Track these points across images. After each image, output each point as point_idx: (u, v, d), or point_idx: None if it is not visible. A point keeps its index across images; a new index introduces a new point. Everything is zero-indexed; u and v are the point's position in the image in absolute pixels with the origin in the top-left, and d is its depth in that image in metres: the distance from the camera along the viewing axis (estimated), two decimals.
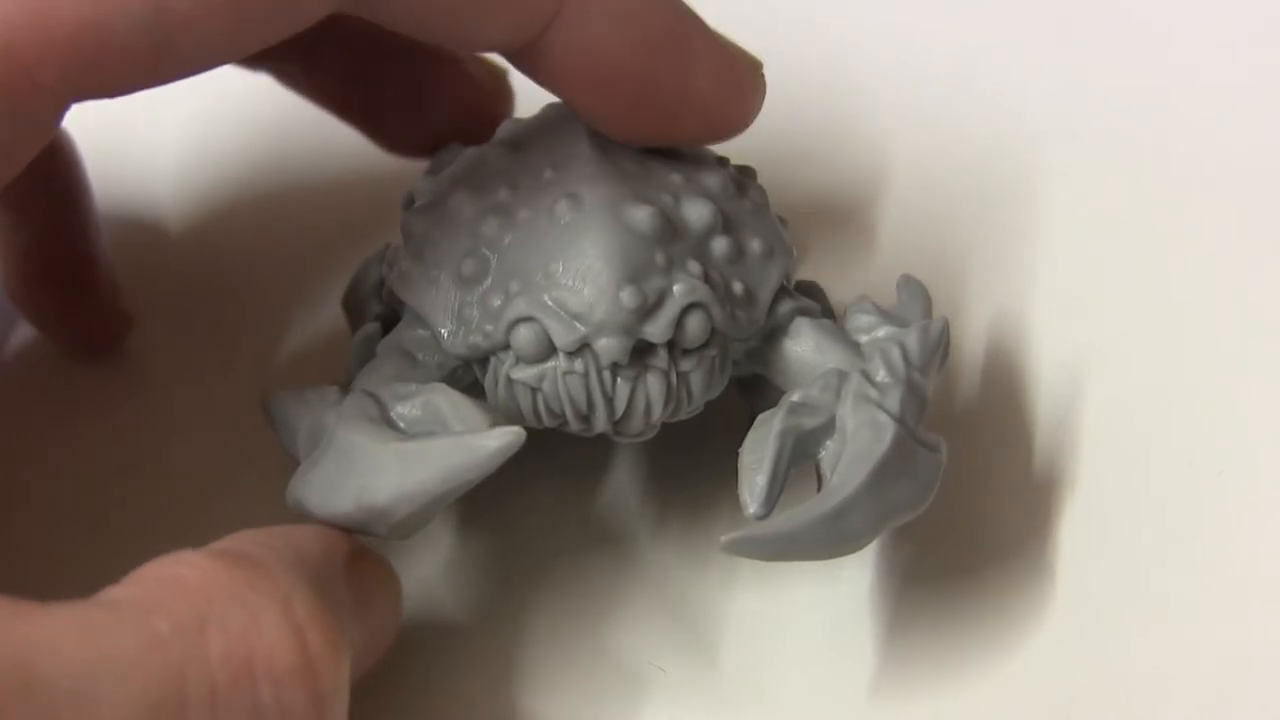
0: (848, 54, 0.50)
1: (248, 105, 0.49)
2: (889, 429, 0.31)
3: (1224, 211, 0.44)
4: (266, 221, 0.45)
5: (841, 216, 0.44)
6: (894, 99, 0.49)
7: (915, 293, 0.36)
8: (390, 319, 0.36)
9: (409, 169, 0.40)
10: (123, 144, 0.48)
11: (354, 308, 0.37)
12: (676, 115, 0.34)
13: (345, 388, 0.33)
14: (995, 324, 0.41)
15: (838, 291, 0.37)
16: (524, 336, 0.31)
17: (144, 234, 0.45)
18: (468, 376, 0.34)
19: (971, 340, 0.40)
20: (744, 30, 0.50)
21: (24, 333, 0.42)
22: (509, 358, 0.32)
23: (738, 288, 0.33)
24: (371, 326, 0.35)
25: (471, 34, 0.32)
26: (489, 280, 0.32)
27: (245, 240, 0.44)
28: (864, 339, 0.34)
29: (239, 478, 0.37)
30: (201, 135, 0.48)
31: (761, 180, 0.36)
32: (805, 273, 0.41)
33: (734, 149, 0.37)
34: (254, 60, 0.41)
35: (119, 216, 0.45)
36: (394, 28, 0.31)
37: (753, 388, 0.35)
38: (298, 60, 0.41)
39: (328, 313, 0.39)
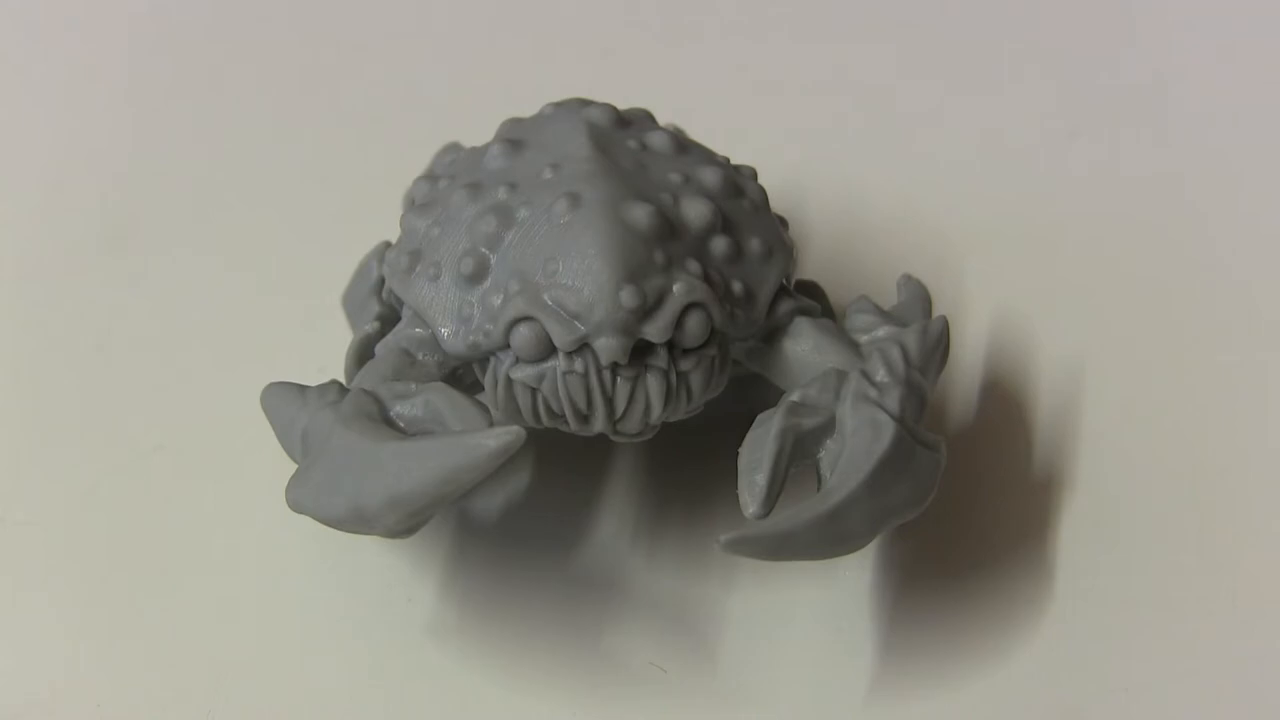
0: (849, 54, 0.50)
1: (247, 101, 0.49)
2: (889, 428, 0.31)
3: (1226, 210, 0.44)
4: (268, 218, 0.45)
5: (841, 216, 0.44)
6: (896, 99, 0.49)
7: (915, 292, 0.36)
8: (390, 318, 0.36)
9: (410, 167, 0.40)
10: (122, 139, 0.48)
11: (353, 306, 0.37)
12: None
13: (344, 387, 0.33)
14: (996, 323, 0.41)
15: (838, 292, 0.37)
16: (523, 336, 0.31)
17: (141, 233, 0.45)
18: (468, 376, 0.34)
19: (972, 340, 0.40)
20: (750, 32, 0.50)
21: (21, 334, 0.42)
22: (508, 357, 0.32)
23: (737, 287, 0.33)
24: (371, 326, 0.35)
25: None
26: (489, 279, 0.32)
27: (246, 236, 0.44)
28: (863, 339, 0.34)
29: (238, 477, 0.37)
30: (203, 132, 0.48)
31: (761, 180, 0.36)
32: (805, 273, 0.41)
33: (736, 147, 0.37)
34: None
35: (117, 212, 0.45)
36: None
37: (752, 387, 0.35)
38: None
39: (327, 311, 0.39)
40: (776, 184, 0.38)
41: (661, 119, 0.38)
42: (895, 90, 0.49)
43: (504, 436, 0.28)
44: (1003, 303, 0.41)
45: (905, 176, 0.45)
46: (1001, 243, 0.43)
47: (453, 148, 0.39)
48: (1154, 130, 0.47)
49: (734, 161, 0.36)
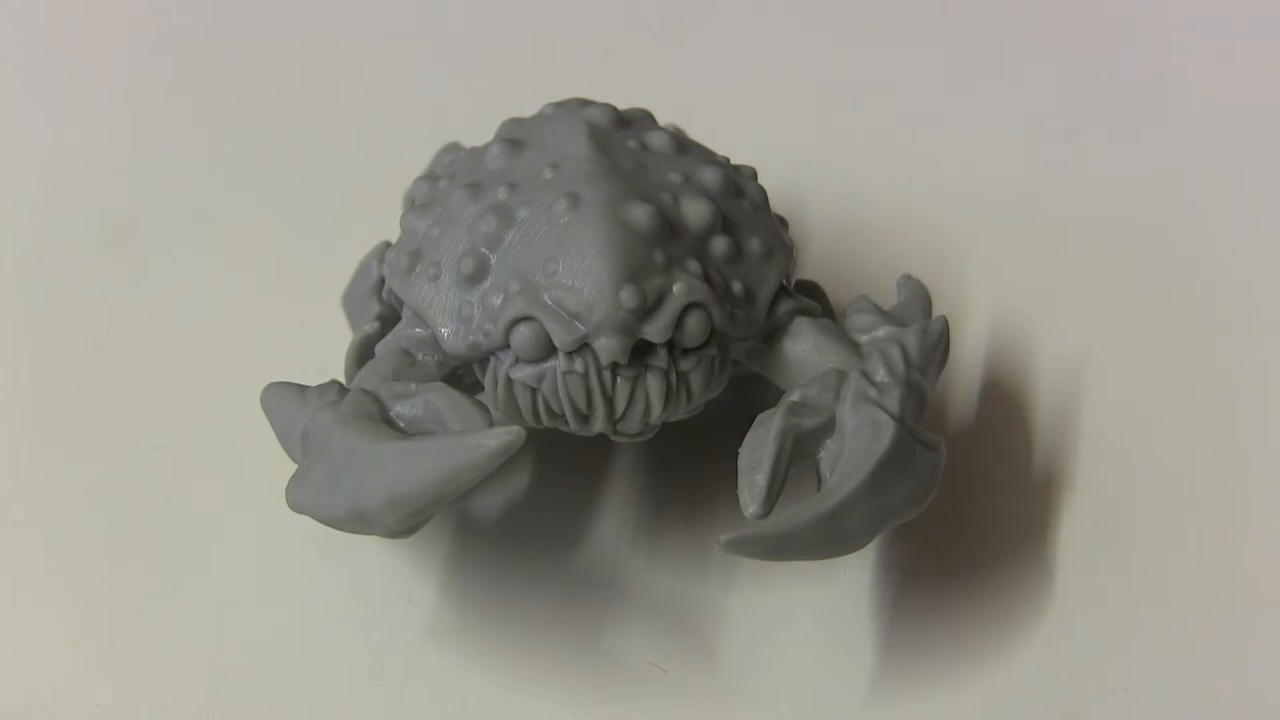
0: (850, 54, 0.50)
1: (249, 100, 0.49)
2: (889, 428, 0.31)
3: (1226, 210, 0.44)
4: (268, 218, 0.45)
5: (842, 216, 0.44)
6: (896, 99, 0.49)
7: (915, 292, 0.36)
8: (390, 318, 0.36)
9: (410, 167, 0.40)
10: (122, 139, 0.48)
11: (353, 306, 0.37)
12: None
13: (344, 387, 0.33)
14: (996, 323, 0.41)
15: (838, 291, 0.37)
16: (523, 336, 0.31)
17: (142, 233, 0.45)
18: (468, 376, 0.34)
19: (972, 339, 0.40)
20: (750, 32, 0.50)
21: (21, 334, 0.42)
22: (508, 357, 0.32)
23: (737, 287, 0.33)
24: (371, 326, 0.35)
25: None
26: (489, 279, 0.32)
27: (246, 236, 0.44)
28: (863, 339, 0.34)
29: (238, 477, 0.37)
30: (203, 131, 0.48)
31: (762, 180, 0.36)
32: (805, 272, 0.41)
33: (736, 147, 0.37)
34: None
35: (117, 212, 0.45)
36: None
37: (752, 387, 0.35)
38: None
39: (327, 311, 0.39)
40: (776, 184, 0.38)
41: (661, 119, 0.38)
42: (895, 90, 0.49)
43: (504, 436, 0.28)
44: (1003, 303, 0.41)
45: (905, 176, 0.45)
46: (1001, 243, 0.43)
47: (453, 148, 0.39)
48: (1154, 130, 0.47)
49: (734, 161, 0.36)
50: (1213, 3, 0.51)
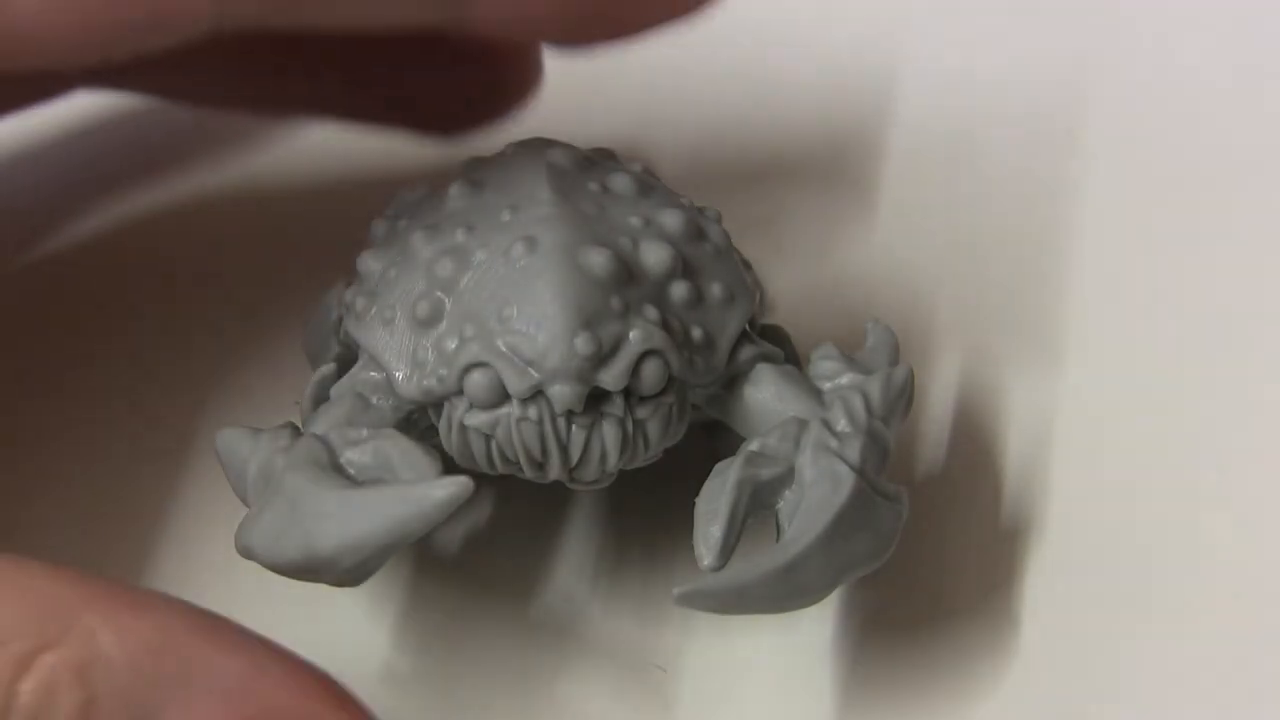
0: (822, 97, 0.50)
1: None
2: (848, 480, 0.30)
3: (1207, 255, 0.44)
4: (233, 249, 0.45)
5: (812, 258, 0.44)
6: (868, 142, 0.48)
7: (882, 338, 0.36)
8: (348, 359, 0.35)
9: (381, 194, 0.39)
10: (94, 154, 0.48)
11: (313, 345, 0.37)
12: None
13: (298, 430, 0.33)
14: (966, 368, 0.40)
15: (806, 335, 0.37)
16: (476, 382, 0.31)
17: (104, 260, 0.44)
18: (423, 420, 0.33)
19: (941, 385, 0.40)
20: (716, 71, 0.50)
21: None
22: (463, 403, 0.31)
23: (697, 333, 0.32)
24: (327, 368, 0.35)
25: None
26: (444, 323, 0.32)
27: (209, 268, 0.44)
28: (827, 386, 0.33)
29: (191, 519, 0.37)
30: (171, 156, 0.48)
31: (728, 221, 0.36)
32: (773, 317, 0.40)
33: (699, 188, 0.37)
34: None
35: (76, 237, 0.45)
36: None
37: (715, 433, 0.35)
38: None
39: (292, 348, 0.39)
40: (743, 226, 0.37)
41: (629, 157, 0.37)
42: (869, 133, 0.48)
43: (451, 487, 0.28)
44: (973, 347, 0.41)
45: (875, 219, 0.45)
46: (972, 287, 0.43)
47: (415, 186, 0.39)
48: (1125, 177, 0.47)
49: (700, 203, 0.36)
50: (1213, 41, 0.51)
